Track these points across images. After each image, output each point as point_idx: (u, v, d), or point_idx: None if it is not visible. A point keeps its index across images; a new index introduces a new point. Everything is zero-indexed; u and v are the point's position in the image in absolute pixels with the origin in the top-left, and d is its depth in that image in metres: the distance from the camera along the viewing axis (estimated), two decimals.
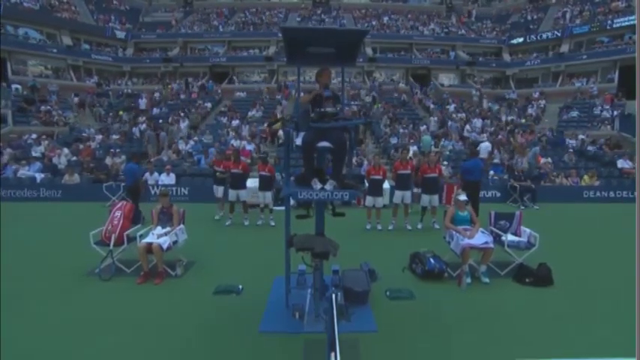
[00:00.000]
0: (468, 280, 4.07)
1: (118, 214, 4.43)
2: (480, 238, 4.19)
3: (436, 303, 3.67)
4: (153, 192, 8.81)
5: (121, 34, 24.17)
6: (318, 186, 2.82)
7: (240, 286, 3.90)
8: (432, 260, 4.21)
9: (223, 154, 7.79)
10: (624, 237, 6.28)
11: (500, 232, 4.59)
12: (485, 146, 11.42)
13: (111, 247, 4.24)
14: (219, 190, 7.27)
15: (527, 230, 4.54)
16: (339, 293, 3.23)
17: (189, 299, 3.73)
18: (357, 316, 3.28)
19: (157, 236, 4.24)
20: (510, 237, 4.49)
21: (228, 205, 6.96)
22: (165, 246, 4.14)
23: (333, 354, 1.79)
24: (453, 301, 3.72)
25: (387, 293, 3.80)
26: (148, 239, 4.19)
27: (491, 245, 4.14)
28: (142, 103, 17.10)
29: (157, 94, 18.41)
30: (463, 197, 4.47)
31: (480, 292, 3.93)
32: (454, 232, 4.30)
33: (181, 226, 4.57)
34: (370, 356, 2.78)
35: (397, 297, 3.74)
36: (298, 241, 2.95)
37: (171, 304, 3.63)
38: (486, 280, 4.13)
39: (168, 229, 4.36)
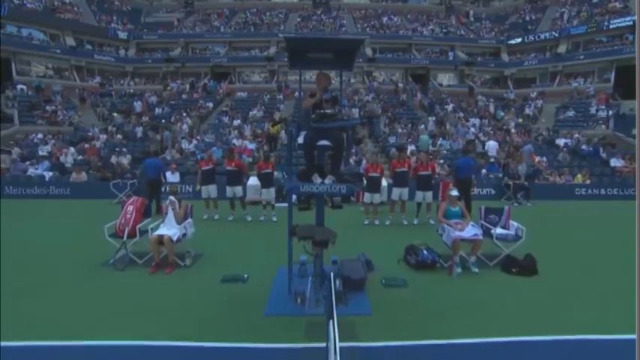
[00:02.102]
0: (459, 269, 4.36)
1: (130, 208, 4.72)
2: (470, 230, 4.47)
3: (428, 290, 3.96)
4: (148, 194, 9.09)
5: (123, 35, 24.43)
6: (319, 180, 3.11)
7: (246, 275, 4.19)
8: (425, 252, 4.50)
9: (208, 156, 7.90)
10: (610, 232, 6.63)
11: (489, 226, 4.87)
12: (492, 145, 11.87)
13: (124, 239, 4.52)
14: (207, 191, 7.27)
15: (515, 224, 4.83)
16: (338, 280, 3.52)
17: (198, 287, 4.02)
18: (353, 301, 3.58)
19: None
20: (499, 230, 4.77)
21: (229, 202, 7.24)
22: (175, 238, 4.43)
23: (331, 322, 2.08)
24: (444, 289, 4.00)
25: (383, 281, 4.08)
26: (159, 232, 4.48)
27: (480, 237, 4.43)
28: (138, 106, 17.07)
29: (152, 98, 18.29)
30: (455, 193, 4.76)
31: (470, 281, 4.22)
32: (446, 226, 4.58)
33: (189, 220, 4.86)
34: (365, 336, 3.06)
35: (391, 285, 4.02)
36: (300, 230, 3.24)
37: (182, 291, 3.92)
38: (475, 270, 4.42)
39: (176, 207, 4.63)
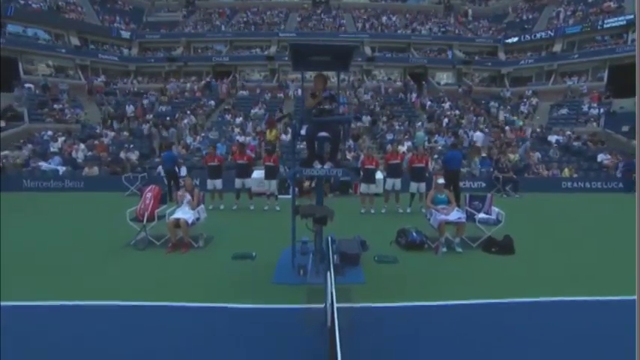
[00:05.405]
0: (444, 249, 4.88)
1: (149, 195, 5.23)
2: (455, 214, 4.98)
3: (415, 265, 4.47)
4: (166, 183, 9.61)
5: (125, 34, 24.86)
6: (319, 166, 3.62)
7: (254, 253, 4.70)
8: (414, 233, 5.01)
9: (213, 151, 8.44)
10: (587, 219, 7.15)
11: (473, 211, 5.38)
12: (479, 135, 12.60)
13: (144, 222, 5.03)
14: (214, 184, 7.81)
15: (496, 209, 5.34)
16: (335, 255, 4.04)
17: (212, 263, 4.54)
18: (349, 272, 4.11)
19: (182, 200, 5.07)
20: (481, 215, 5.28)
21: (234, 193, 7.76)
22: (190, 221, 4.93)
23: (329, 273, 2.58)
24: (430, 264, 4.52)
25: (375, 258, 4.59)
26: (175, 215, 4.98)
27: (464, 220, 4.94)
28: (130, 110, 16.99)
29: (152, 98, 18.36)
30: (441, 181, 5.27)
31: (453, 259, 4.73)
32: (433, 210, 5.09)
33: (202, 206, 5.37)
34: (359, 299, 3.57)
35: (383, 261, 4.54)
36: (303, 209, 3.75)
37: (197, 267, 4.43)
38: (459, 249, 4.93)
39: (189, 197, 5.15)
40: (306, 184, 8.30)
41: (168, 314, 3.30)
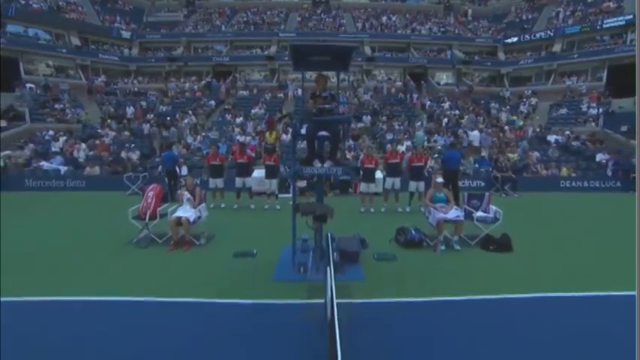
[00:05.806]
0: (442, 247, 4.93)
1: (151, 194, 5.29)
2: (453, 212, 5.04)
3: (414, 263, 4.53)
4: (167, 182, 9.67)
5: (126, 34, 24.91)
6: (319, 165, 3.68)
7: (255, 251, 4.75)
8: (413, 231, 5.07)
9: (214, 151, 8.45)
10: (583, 217, 7.19)
11: (472, 210, 5.44)
12: (476, 134, 12.70)
13: (146, 220, 5.09)
14: (215, 183, 7.94)
15: (494, 208, 5.40)
16: (335, 252, 4.09)
17: (214, 261, 4.59)
18: (349, 270, 4.16)
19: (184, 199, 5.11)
20: (479, 213, 5.34)
21: (235, 192, 7.82)
22: (191, 220, 4.99)
23: (328, 268, 2.64)
24: (428, 262, 4.57)
25: (375, 256, 4.65)
26: (177, 214, 5.04)
27: (462, 218, 5.00)
28: (130, 111, 16.95)
29: (144, 103, 18.21)
30: (439, 180, 5.33)
31: (451, 256, 4.78)
32: (432, 209, 5.15)
33: (203, 204, 5.43)
34: (358, 295, 3.63)
35: (382, 259, 4.59)
36: (303, 207, 3.81)
37: (199, 264, 4.49)
38: (457, 247, 4.99)
39: (188, 195, 5.22)
40: (301, 184, 8.13)
41: (169, 311, 3.35)
